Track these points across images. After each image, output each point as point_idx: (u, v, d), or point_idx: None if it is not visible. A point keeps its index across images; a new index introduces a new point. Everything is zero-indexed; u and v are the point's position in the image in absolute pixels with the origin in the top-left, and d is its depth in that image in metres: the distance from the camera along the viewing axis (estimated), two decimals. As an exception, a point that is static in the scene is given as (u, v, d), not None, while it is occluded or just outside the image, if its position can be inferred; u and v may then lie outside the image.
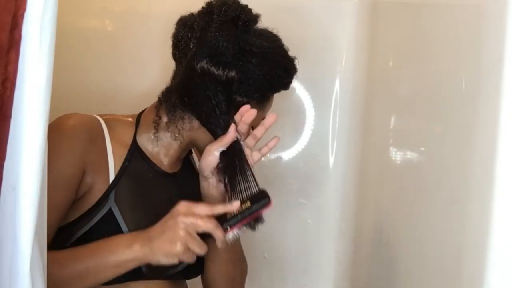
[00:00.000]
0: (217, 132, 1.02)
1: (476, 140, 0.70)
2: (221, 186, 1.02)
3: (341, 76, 1.53)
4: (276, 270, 1.61)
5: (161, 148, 1.08)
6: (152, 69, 1.58)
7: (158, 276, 1.03)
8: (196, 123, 1.06)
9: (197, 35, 1.03)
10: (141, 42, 1.58)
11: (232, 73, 1.01)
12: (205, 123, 1.04)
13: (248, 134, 1.03)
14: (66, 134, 0.97)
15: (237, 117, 1.01)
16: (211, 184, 1.02)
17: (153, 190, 1.06)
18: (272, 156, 1.56)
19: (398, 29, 1.23)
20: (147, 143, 1.08)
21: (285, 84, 1.09)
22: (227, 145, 0.99)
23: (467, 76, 0.75)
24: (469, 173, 0.71)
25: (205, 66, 1.01)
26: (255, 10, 1.07)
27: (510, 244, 0.61)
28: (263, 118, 1.07)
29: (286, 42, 1.09)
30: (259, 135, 1.02)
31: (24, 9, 0.69)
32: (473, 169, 0.70)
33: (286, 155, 1.58)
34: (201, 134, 1.07)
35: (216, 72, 1.01)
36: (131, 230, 0.98)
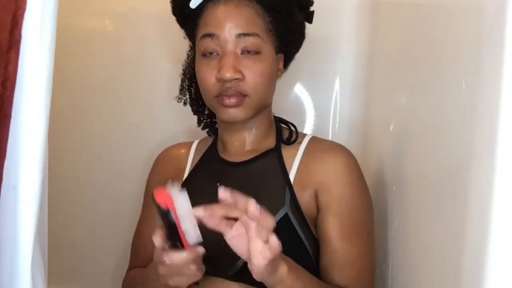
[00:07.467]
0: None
1: (476, 139, 0.70)
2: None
3: (341, 76, 1.53)
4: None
5: (223, 138, 1.14)
6: (152, 69, 1.58)
7: (217, 274, 1.00)
8: None
9: None
10: (141, 42, 1.58)
11: None
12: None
13: None
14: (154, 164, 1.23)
15: None
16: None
17: (218, 179, 1.08)
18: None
19: (398, 29, 1.23)
20: (218, 140, 1.16)
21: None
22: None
23: (467, 76, 0.75)
24: (469, 173, 0.71)
25: None
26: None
27: (510, 243, 0.62)
28: (209, 35, 1.04)
29: (286, 42, 1.09)
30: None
31: (24, 9, 0.69)
32: (473, 169, 0.70)
33: (286, 155, 1.57)
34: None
35: None
36: None
